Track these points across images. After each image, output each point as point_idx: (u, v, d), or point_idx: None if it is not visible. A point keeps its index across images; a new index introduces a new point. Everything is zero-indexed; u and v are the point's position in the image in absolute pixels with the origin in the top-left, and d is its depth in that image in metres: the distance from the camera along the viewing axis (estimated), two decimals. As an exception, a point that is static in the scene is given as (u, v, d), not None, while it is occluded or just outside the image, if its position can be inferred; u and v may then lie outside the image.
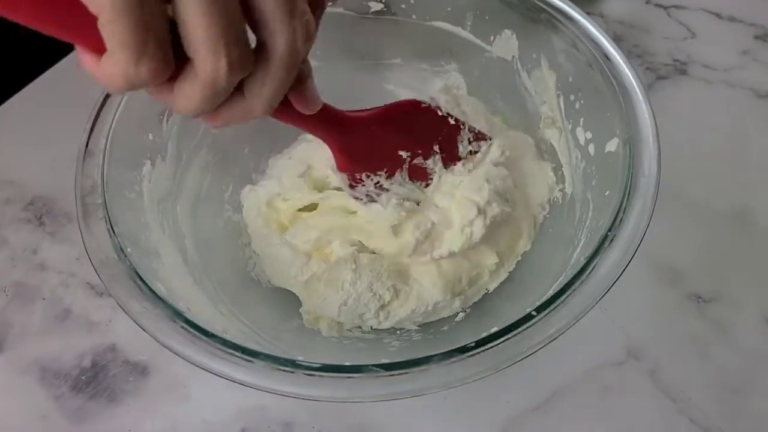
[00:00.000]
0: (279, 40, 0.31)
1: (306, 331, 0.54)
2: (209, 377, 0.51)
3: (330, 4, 0.59)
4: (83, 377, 0.55)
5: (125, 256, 0.44)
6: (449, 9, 0.59)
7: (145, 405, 0.53)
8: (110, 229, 0.45)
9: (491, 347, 0.39)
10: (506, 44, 0.58)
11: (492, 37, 0.59)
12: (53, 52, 0.72)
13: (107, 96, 0.51)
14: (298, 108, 0.39)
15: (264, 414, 0.52)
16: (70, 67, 0.72)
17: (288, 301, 0.56)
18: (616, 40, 0.72)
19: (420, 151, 0.53)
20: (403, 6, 0.60)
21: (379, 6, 0.60)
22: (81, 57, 0.30)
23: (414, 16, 0.61)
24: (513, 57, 0.58)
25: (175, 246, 0.51)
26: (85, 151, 0.48)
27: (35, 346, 0.56)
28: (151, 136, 0.53)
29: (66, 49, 0.72)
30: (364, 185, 0.53)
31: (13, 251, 0.61)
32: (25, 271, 0.60)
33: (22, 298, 0.59)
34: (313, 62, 0.61)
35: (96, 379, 0.54)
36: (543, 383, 0.53)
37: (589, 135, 0.52)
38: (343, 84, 0.63)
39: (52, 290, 0.59)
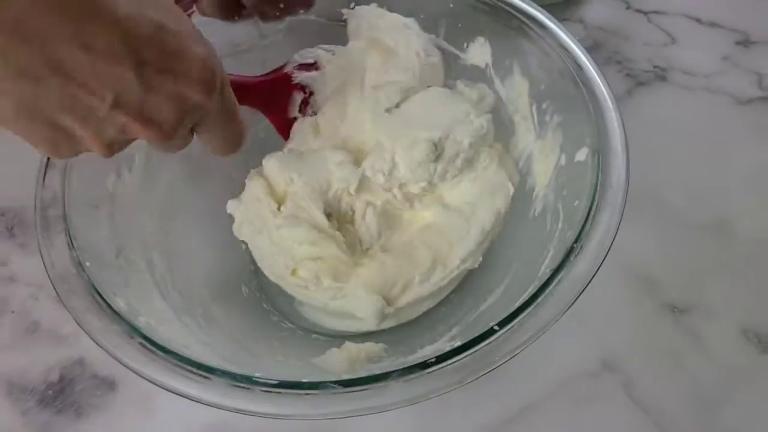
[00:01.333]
0: None
1: (286, 340, 0.53)
2: None
3: (302, 12, 0.58)
4: (50, 392, 0.54)
5: (83, 270, 0.43)
6: (422, 16, 0.58)
7: (112, 420, 0.53)
8: (69, 242, 0.44)
9: (453, 362, 0.39)
10: (480, 52, 0.58)
11: (465, 45, 0.58)
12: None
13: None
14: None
15: (231, 430, 0.52)
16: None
17: (264, 311, 0.56)
18: (596, 46, 0.72)
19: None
20: (375, 14, 0.60)
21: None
22: None
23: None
24: (486, 65, 0.58)
25: (141, 259, 0.50)
26: (47, 162, 0.48)
27: (2, 360, 0.55)
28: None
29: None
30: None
31: (-18, 263, 0.60)
32: (-6, 283, 0.59)
33: (-10, 310, 0.58)
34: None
35: (63, 394, 0.54)
36: (515, 395, 0.52)
37: (560, 144, 0.51)
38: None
39: (21, 303, 0.58)
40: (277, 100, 0.51)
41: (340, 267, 0.53)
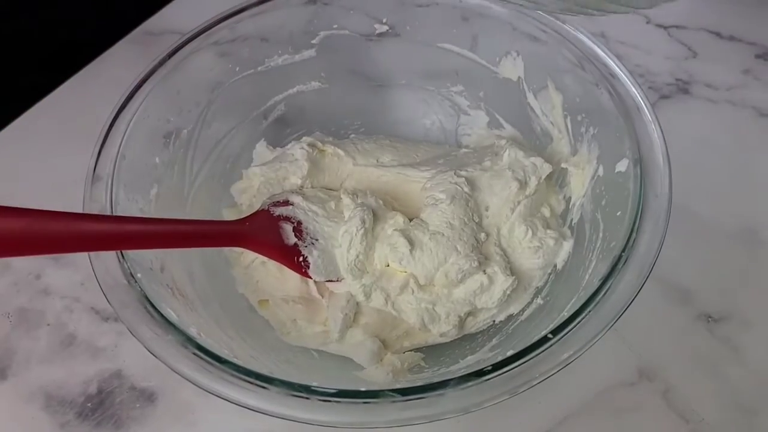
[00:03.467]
0: None
1: (320, 353, 0.53)
2: (217, 403, 0.50)
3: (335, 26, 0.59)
4: (89, 404, 0.54)
5: (135, 281, 0.43)
6: (454, 31, 0.59)
7: (153, 432, 0.53)
8: (120, 253, 0.44)
9: (507, 371, 0.39)
10: (512, 65, 0.58)
11: (498, 59, 0.59)
12: (53, 75, 0.72)
13: (114, 120, 0.51)
14: None
15: (273, 440, 0.52)
16: (70, 91, 0.72)
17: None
18: (618, 60, 0.73)
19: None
20: (408, 28, 0.60)
21: (384, 28, 0.61)
22: None
23: (419, 38, 0.61)
24: (519, 78, 0.58)
25: (184, 270, 0.50)
26: (93, 175, 0.48)
27: (40, 372, 0.55)
28: (158, 159, 0.53)
29: (64, 74, 0.72)
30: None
31: (17, 276, 0.60)
32: (29, 296, 0.59)
33: (26, 323, 0.58)
34: (317, 84, 0.63)
35: (102, 406, 0.54)
36: (555, 406, 0.52)
37: (596, 156, 0.52)
38: (347, 106, 0.64)
39: (56, 316, 0.58)
40: (267, 232, 0.52)
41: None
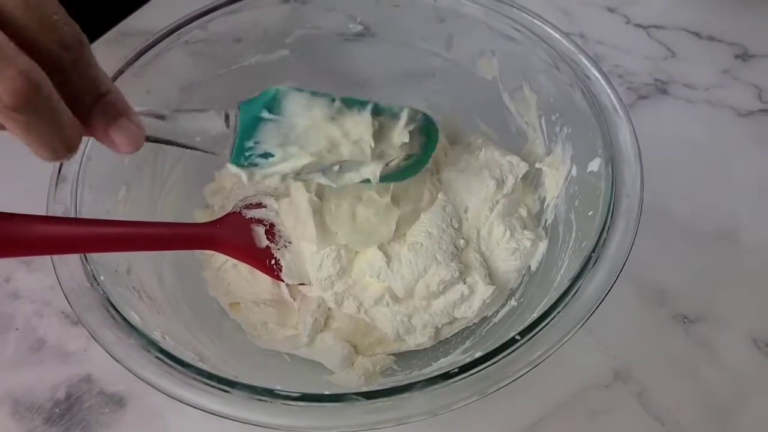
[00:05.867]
0: None
1: (292, 357, 0.53)
2: (187, 408, 0.49)
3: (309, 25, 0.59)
4: (57, 410, 0.53)
5: (98, 284, 0.43)
6: (431, 31, 0.59)
7: (122, 437, 0.52)
8: (83, 256, 0.44)
9: (475, 372, 0.38)
10: (487, 65, 0.58)
11: (473, 59, 0.58)
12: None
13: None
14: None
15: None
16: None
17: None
18: (597, 59, 0.72)
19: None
20: (384, 27, 0.60)
21: (359, 27, 0.60)
22: None
23: (395, 38, 0.60)
24: (494, 77, 0.58)
25: (152, 272, 0.50)
26: (58, 176, 0.47)
27: (8, 378, 0.55)
28: (126, 160, 0.52)
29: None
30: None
31: (-15, 280, 0.60)
32: (-2, 300, 0.58)
33: (-5, 328, 0.57)
34: (295, 84, 0.62)
35: (71, 411, 0.53)
36: (530, 407, 0.52)
37: (570, 155, 0.52)
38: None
39: (25, 320, 0.57)
40: (239, 235, 0.51)
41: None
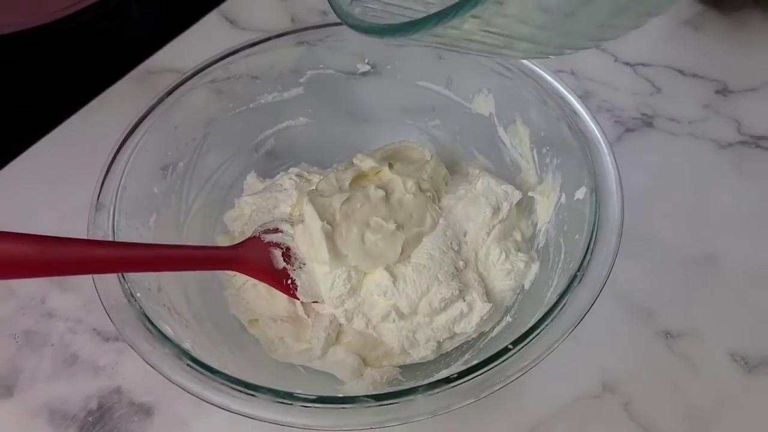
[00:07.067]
0: None
1: (306, 369, 0.57)
2: (210, 416, 0.55)
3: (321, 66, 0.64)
4: (90, 418, 0.58)
5: (135, 300, 0.48)
6: (432, 70, 0.64)
7: (150, 444, 0.56)
8: (121, 275, 0.49)
9: (472, 378, 0.43)
10: (484, 102, 0.63)
11: (471, 95, 0.64)
12: (59, 109, 0.77)
13: (116, 153, 0.55)
14: None
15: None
16: (76, 125, 0.76)
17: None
18: (587, 95, 0.78)
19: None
20: (389, 67, 0.65)
21: (366, 67, 0.66)
22: None
23: (399, 76, 0.66)
24: (490, 113, 0.63)
25: (180, 291, 0.55)
26: (97, 204, 0.53)
27: (44, 389, 0.59)
28: (156, 190, 0.57)
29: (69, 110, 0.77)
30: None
31: (22, 300, 0.64)
32: (35, 319, 0.63)
33: (32, 344, 0.62)
34: (304, 120, 0.68)
35: (102, 420, 0.57)
36: (524, 416, 0.56)
37: (559, 184, 0.57)
38: (332, 140, 0.69)
39: (60, 336, 0.62)
40: (258, 257, 0.56)
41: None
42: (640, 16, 0.33)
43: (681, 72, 0.81)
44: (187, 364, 0.45)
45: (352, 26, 0.38)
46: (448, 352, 0.57)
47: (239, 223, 0.63)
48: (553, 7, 0.31)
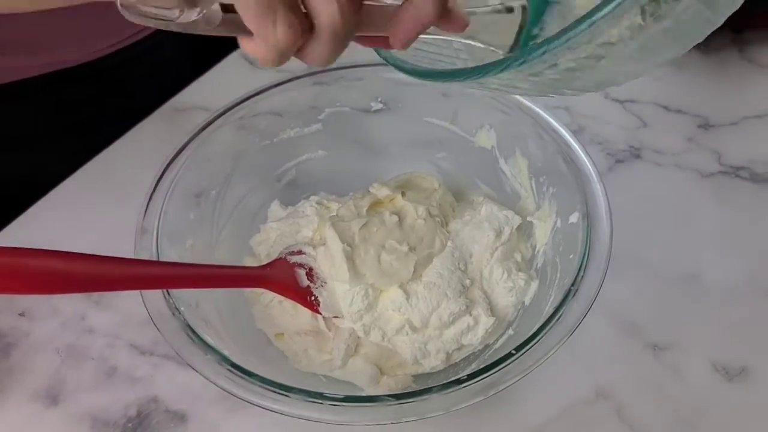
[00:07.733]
0: None
1: (327, 378, 0.63)
2: (240, 422, 0.60)
3: (338, 104, 0.71)
4: (130, 425, 0.63)
5: (179, 312, 0.53)
6: (439, 107, 0.71)
7: (185, 447, 0.62)
8: (165, 292, 0.55)
9: (481, 379, 0.49)
10: (486, 136, 0.70)
11: (474, 130, 0.71)
12: (95, 140, 0.83)
13: (157, 183, 0.62)
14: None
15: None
16: (111, 157, 0.83)
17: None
18: (580, 129, 0.85)
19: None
20: (400, 105, 0.72)
21: (379, 105, 0.72)
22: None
23: (408, 113, 0.72)
24: (492, 146, 0.70)
25: (213, 308, 0.60)
26: (141, 228, 0.59)
27: (87, 398, 0.64)
28: (192, 216, 0.64)
29: (105, 141, 0.83)
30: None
31: (65, 318, 0.70)
32: (76, 334, 0.69)
33: (74, 357, 0.67)
34: (323, 153, 0.74)
35: (141, 426, 0.63)
36: (522, 420, 0.61)
37: (555, 210, 0.63)
38: (348, 171, 0.75)
39: (99, 351, 0.68)
40: (285, 276, 0.62)
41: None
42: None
43: (666, 108, 0.87)
44: (228, 369, 0.51)
45: (400, 68, 0.43)
46: (456, 363, 0.63)
47: (264, 246, 0.69)
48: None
